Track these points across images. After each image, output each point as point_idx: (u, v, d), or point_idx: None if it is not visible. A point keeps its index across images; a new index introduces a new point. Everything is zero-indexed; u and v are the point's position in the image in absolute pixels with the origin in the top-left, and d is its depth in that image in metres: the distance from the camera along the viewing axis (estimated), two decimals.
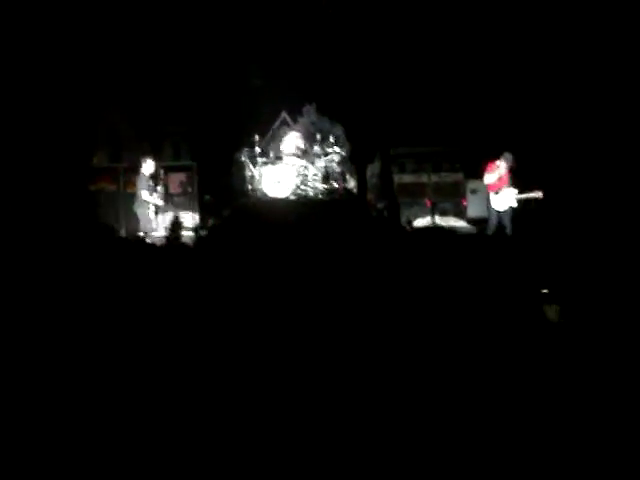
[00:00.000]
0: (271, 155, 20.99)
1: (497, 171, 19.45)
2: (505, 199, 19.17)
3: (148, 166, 19.80)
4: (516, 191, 19.16)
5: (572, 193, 21.37)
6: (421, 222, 23.47)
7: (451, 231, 6.52)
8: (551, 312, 4.79)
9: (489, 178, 19.61)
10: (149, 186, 19.44)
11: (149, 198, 19.36)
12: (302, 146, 20.89)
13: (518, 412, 3.55)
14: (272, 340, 3.95)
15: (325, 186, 20.25)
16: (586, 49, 22.29)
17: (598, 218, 19.02)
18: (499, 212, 19.13)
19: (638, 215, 17.95)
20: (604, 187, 21.29)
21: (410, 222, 22.87)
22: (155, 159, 21.51)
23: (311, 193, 19.95)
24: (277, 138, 23.98)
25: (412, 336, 3.86)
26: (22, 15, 21.46)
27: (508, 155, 19.46)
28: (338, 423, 3.50)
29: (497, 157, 19.70)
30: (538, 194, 19.08)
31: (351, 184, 22.53)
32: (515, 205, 19.15)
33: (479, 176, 20.78)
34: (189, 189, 21.63)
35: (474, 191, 24.06)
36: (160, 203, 19.55)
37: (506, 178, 19.41)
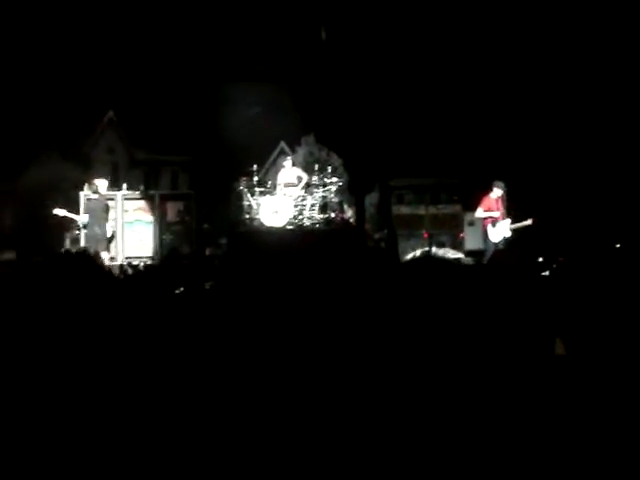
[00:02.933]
0: (269, 185, 20.98)
1: (489, 202, 19.44)
2: (500, 230, 19.17)
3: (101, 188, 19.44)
4: (509, 221, 19.15)
5: (577, 222, 21.42)
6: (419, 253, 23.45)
7: (449, 262, 6.50)
8: (557, 346, 4.77)
9: (480, 211, 19.60)
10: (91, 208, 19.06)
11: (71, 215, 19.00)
12: (300, 176, 20.87)
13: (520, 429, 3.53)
14: (270, 362, 3.93)
15: (323, 216, 20.22)
16: (579, 82, 22.40)
17: (604, 246, 19.02)
18: (496, 244, 19.10)
19: (635, 239, 17.97)
20: (610, 215, 21.35)
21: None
22: (151, 187, 21.48)
23: (308, 223, 19.92)
24: (275, 168, 24.02)
25: (412, 363, 3.83)
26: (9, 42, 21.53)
27: (499, 183, 19.46)
28: (337, 427, 3.47)
29: (489, 189, 19.71)
30: (528, 222, 19.09)
31: (349, 214, 22.49)
32: (509, 235, 19.14)
33: (476, 208, 20.80)
34: (186, 218, 21.56)
35: (472, 223, 24.02)
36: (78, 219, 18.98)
37: (500, 207, 19.39)
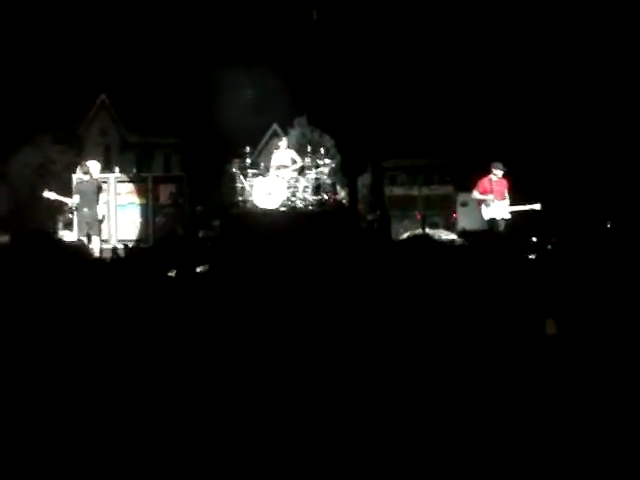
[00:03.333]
0: (262, 167, 20.93)
1: (486, 184, 19.36)
2: (497, 211, 19.09)
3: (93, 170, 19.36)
4: (508, 203, 19.08)
5: (570, 204, 21.43)
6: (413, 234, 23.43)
7: (441, 242, 6.49)
8: (548, 326, 4.76)
9: (476, 193, 19.54)
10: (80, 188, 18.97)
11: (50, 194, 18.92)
12: (294, 159, 20.83)
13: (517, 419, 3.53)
14: (265, 346, 3.92)
15: (315, 198, 20.19)
16: (578, 58, 22.35)
17: (595, 227, 19.04)
18: (493, 222, 19.04)
19: (636, 223, 17.98)
20: (601, 195, 21.36)
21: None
22: (143, 170, 21.46)
23: (301, 205, 19.89)
24: (268, 150, 23.97)
25: (405, 345, 3.83)
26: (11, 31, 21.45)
27: (497, 164, 19.37)
28: (337, 424, 3.47)
29: (487, 170, 19.65)
30: (535, 206, 18.98)
31: (342, 196, 22.48)
32: (508, 217, 19.08)
33: (469, 189, 20.75)
34: (179, 200, 21.52)
35: (464, 204, 24.04)
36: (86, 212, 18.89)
37: (498, 189, 19.31)
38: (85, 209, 18.32)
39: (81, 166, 19.49)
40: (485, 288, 4.49)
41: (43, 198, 19.17)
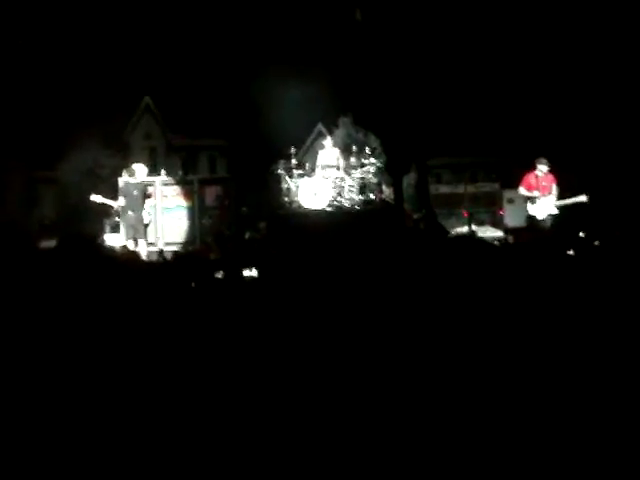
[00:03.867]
0: (307, 167, 20.96)
1: (532, 179, 19.23)
2: (544, 207, 18.95)
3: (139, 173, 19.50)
4: (554, 198, 18.93)
5: (617, 196, 21.24)
6: (459, 232, 23.34)
7: (486, 242, 6.45)
8: None
9: (522, 189, 19.43)
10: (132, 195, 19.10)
11: (108, 201, 19.08)
12: (338, 158, 20.84)
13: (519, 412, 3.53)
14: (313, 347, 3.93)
15: (361, 197, 20.18)
16: (619, 55, 22.17)
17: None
18: (540, 220, 18.90)
19: None
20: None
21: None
22: (189, 172, 21.61)
23: (347, 204, 19.89)
24: (313, 150, 24.01)
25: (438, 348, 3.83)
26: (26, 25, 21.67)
27: (542, 160, 19.24)
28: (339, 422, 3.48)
29: (532, 166, 19.53)
30: (582, 198, 18.81)
31: (387, 195, 22.44)
32: (555, 212, 18.92)
33: (515, 186, 20.62)
34: (225, 202, 21.62)
35: (511, 200, 23.91)
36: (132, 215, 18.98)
37: (545, 185, 19.17)
38: (130, 212, 18.45)
39: (127, 169, 19.60)
40: (517, 287, 4.48)
41: (90, 202, 19.34)
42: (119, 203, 18.76)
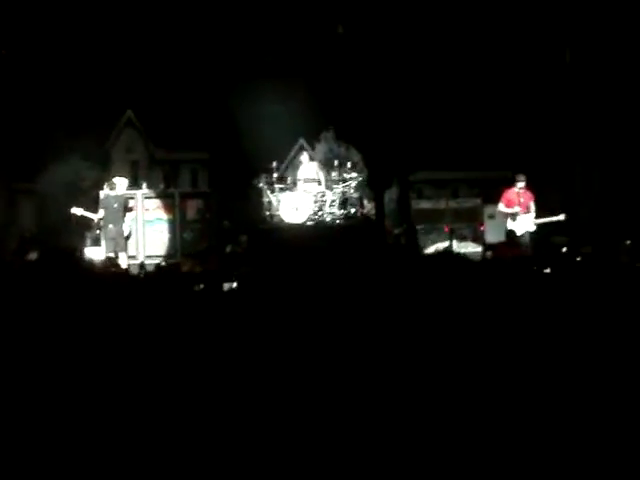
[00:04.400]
0: (289, 181, 20.98)
1: (512, 195, 19.34)
2: (523, 224, 19.06)
3: (120, 186, 19.67)
4: (533, 215, 19.04)
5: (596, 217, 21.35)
6: (440, 247, 23.36)
7: (466, 258, 6.48)
8: None
9: (502, 206, 19.54)
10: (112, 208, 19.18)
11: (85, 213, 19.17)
12: (320, 172, 20.86)
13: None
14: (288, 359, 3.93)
15: (343, 212, 20.21)
16: (603, 73, 22.29)
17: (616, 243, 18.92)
18: (518, 237, 18.99)
19: None
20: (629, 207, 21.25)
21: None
22: (170, 185, 21.60)
23: (329, 219, 19.91)
24: (295, 164, 24.02)
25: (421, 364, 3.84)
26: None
27: (521, 176, 19.37)
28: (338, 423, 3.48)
29: (513, 182, 19.62)
30: (560, 217, 18.95)
31: (369, 209, 22.47)
32: (533, 229, 19.03)
33: (496, 201, 20.70)
34: (206, 216, 21.59)
35: (491, 216, 23.95)
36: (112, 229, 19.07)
37: (524, 201, 19.27)
38: (110, 225, 18.48)
39: (108, 182, 19.62)
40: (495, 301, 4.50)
41: (71, 214, 19.31)
42: (99, 216, 18.77)
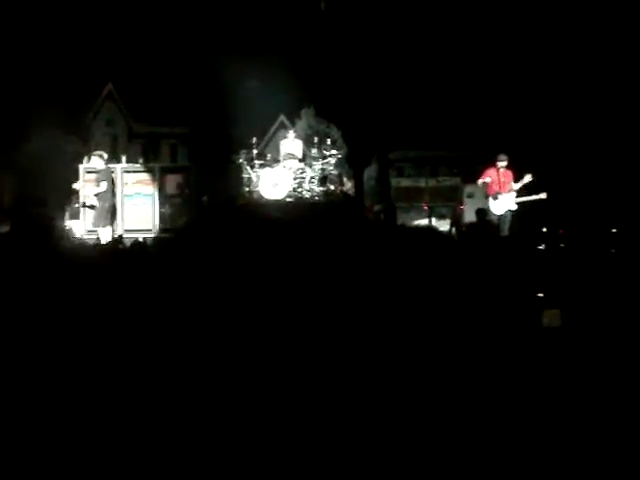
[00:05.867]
0: (268, 158, 20.94)
1: (494, 174, 19.36)
2: (504, 203, 19.09)
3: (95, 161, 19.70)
4: (514, 194, 19.07)
5: (574, 194, 21.38)
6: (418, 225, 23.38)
7: (446, 235, 6.49)
8: (551, 317, 4.74)
9: (481, 181, 19.58)
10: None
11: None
12: (299, 149, 20.83)
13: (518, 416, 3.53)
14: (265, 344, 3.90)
15: (322, 189, 20.20)
16: (585, 53, 22.29)
17: (598, 218, 19.01)
18: (498, 216, 19.03)
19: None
20: (605, 188, 21.30)
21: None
22: (149, 160, 21.59)
23: (308, 196, 19.90)
24: (275, 141, 23.99)
25: (405, 343, 3.82)
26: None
27: (502, 156, 19.38)
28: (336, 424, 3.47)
29: (494, 162, 19.63)
30: (542, 195, 18.98)
31: (348, 187, 22.46)
32: (514, 208, 19.06)
33: (476, 181, 20.72)
34: (186, 191, 21.53)
35: (471, 195, 23.98)
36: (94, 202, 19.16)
37: (505, 181, 19.30)
38: (98, 199, 18.52)
39: (100, 156, 19.56)
40: (484, 281, 4.50)
41: (49, 187, 19.25)
42: (101, 189, 18.77)
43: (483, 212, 19.35)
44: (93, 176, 19.44)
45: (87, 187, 19.57)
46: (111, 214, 19.01)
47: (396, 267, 4.63)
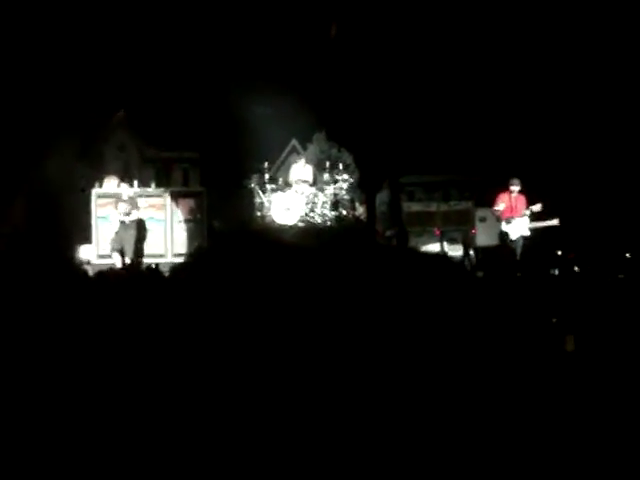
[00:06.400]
0: (280, 182, 21.00)
1: (506, 199, 19.36)
2: (517, 227, 19.07)
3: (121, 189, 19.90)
4: (528, 220, 19.06)
5: (587, 220, 21.34)
6: (431, 250, 23.35)
7: (457, 262, 6.48)
8: (568, 342, 4.73)
9: (498, 207, 19.55)
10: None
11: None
12: (311, 173, 20.87)
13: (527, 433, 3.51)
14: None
15: (334, 214, 20.23)
16: (598, 76, 22.30)
17: (611, 242, 18.98)
18: (512, 241, 19.02)
19: None
20: (618, 211, 21.26)
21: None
22: (162, 184, 21.72)
23: (320, 220, 19.93)
24: (286, 165, 24.02)
25: (414, 372, 3.79)
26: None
27: (515, 181, 19.39)
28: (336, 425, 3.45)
29: (506, 186, 19.63)
30: (554, 222, 18.97)
31: (360, 212, 22.47)
32: (528, 234, 19.04)
33: (488, 204, 20.70)
34: (198, 215, 21.58)
35: (483, 219, 23.96)
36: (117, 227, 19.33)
37: (518, 206, 19.29)
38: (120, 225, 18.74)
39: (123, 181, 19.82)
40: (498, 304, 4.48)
41: (63, 211, 19.38)
42: (132, 217, 18.96)
43: (506, 235, 19.30)
44: (122, 203, 19.63)
45: (114, 212, 19.75)
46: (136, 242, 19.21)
47: (405, 296, 4.62)
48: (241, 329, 4.36)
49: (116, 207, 19.38)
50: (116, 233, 19.14)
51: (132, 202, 19.59)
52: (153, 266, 15.33)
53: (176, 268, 3.61)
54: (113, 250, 18.82)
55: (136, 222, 19.75)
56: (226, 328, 4.39)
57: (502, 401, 3.64)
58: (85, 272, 8.55)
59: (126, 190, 19.72)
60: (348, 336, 4.13)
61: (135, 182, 23.43)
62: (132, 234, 19.34)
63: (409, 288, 4.76)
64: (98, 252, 20.21)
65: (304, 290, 4.06)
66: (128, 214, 19.30)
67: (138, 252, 19.26)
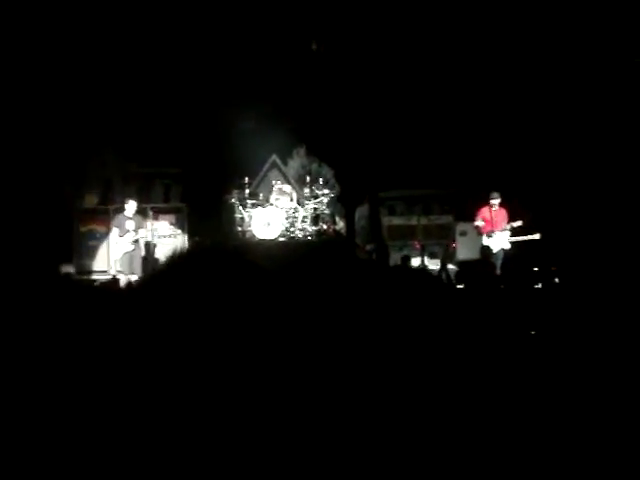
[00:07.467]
0: (261, 197, 21.03)
1: (487, 213, 19.46)
2: (498, 241, 19.17)
3: (130, 207, 19.80)
4: (509, 233, 19.15)
5: (568, 233, 21.43)
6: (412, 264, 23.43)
7: (436, 276, 6.52)
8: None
9: (478, 223, 19.64)
10: (124, 227, 19.37)
11: (117, 239, 19.37)
12: (292, 188, 20.94)
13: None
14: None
15: (315, 228, 20.28)
16: (578, 91, 22.43)
17: (593, 256, 19.05)
18: (494, 254, 19.11)
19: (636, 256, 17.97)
20: (599, 226, 21.35)
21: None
22: (143, 200, 21.69)
23: (300, 235, 19.97)
24: (267, 180, 24.06)
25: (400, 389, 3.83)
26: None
27: (495, 194, 19.50)
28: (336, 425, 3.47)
29: (486, 200, 19.73)
30: (535, 236, 19.07)
31: (340, 226, 22.54)
32: (508, 247, 19.14)
33: (469, 218, 20.79)
34: (178, 231, 21.60)
35: (464, 233, 24.05)
36: (127, 247, 19.21)
37: (499, 219, 19.39)
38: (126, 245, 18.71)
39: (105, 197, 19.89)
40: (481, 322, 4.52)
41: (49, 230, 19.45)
42: (140, 235, 18.95)
43: (487, 249, 19.39)
44: (130, 221, 19.63)
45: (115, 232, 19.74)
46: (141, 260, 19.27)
47: (386, 308, 4.65)
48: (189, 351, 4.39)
49: (120, 225, 19.38)
50: (125, 254, 19.09)
51: (138, 219, 19.60)
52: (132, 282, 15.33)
53: (138, 282, 3.64)
54: (128, 273, 18.72)
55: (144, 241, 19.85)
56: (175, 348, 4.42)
57: (480, 410, 3.69)
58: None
59: (132, 207, 19.69)
60: (320, 351, 4.17)
61: (117, 199, 23.47)
62: (139, 253, 19.38)
63: (385, 302, 4.80)
64: (80, 268, 20.19)
65: (272, 308, 4.10)
66: (136, 231, 19.33)
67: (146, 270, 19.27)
